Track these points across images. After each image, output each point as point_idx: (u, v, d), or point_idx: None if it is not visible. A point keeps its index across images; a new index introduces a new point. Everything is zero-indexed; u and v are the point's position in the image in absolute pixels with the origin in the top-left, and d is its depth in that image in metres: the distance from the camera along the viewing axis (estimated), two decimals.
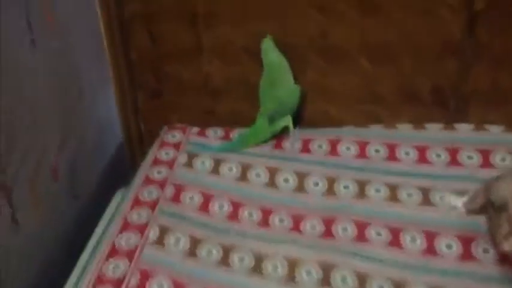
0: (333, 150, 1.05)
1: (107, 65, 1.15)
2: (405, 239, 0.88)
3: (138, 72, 1.18)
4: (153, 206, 0.96)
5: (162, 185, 1.01)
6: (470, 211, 0.78)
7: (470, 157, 1.00)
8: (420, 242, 0.87)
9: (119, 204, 0.98)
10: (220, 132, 1.13)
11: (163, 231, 0.90)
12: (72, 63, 1.00)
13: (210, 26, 1.10)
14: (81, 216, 1.05)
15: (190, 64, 1.15)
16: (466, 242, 0.85)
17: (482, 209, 0.74)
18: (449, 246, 0.85)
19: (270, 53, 1.07)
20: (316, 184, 0.99)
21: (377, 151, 1.04)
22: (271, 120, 1.07)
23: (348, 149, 1.05)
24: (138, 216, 0.94)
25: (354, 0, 1.01)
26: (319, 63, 1.09)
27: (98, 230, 0.93)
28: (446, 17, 1.00)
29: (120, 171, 1.17)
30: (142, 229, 0.91)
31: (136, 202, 0.97)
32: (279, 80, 1.07)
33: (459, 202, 0.83)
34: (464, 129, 1.06)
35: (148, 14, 1.11)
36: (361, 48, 1.06)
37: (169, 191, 0.99)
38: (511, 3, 0.97)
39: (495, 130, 1.05)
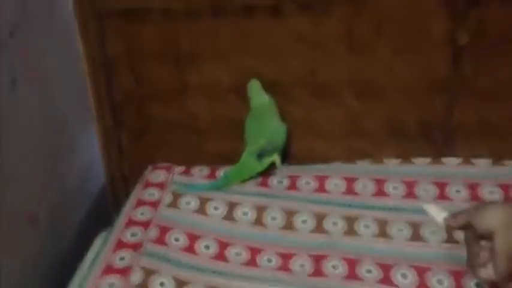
0: (321, 187, 1.04)
1: (90, 106, 1.14)
2: (396, 276, 0.85)
3: (122, 112, 1.17)
4: (136, 248, 0.93)
5: (146, 226, 0.98)
6: (449, 227, 0.77)
7: (458, 191, 0.99)
8: (411, 278, 0.85)
9: (101, 247, 0.95)
10: (206, 170, 1.12)
11: (148, 274, 0.87)
12: (55, 105, 0.99)
13: (194, 65, 1.10)
14: (63, 260, 1.01)
15: (175, 103, 1.14)
16: (457, 276, 0.83)
17: (462, 228, 0.73)
18: (440, 282, 0.83)
19: (257, 94, 1.07)
20: (305, 221, 0.97)
21: (365, 187, 1.03)
22: (258, 158, 1.06)
23: (336, 185, 1.04)
24: (120, 259, 0.91)
25: (342, 38, 1.02)
26: (306, 100, 1.09)
27: (80, 274, 0.89)
28: (432, 53, 1.01)
29: (103, 214, 1.14)
30: (125, 272, 0.88)
31: (119, 244, 0.94)
32: (266, 119, 1.07)
33: (441, 216, 0.82)
34: (451, 163, 1.06)
35: (132, 54, 1.11)
36: (349, 85, 1.06)
37: (153, 232, 0.96)
38: (493, 37, 0.99)
39: (482, 164, 1.05)
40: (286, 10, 1.02)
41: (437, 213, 0.80)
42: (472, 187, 0.99)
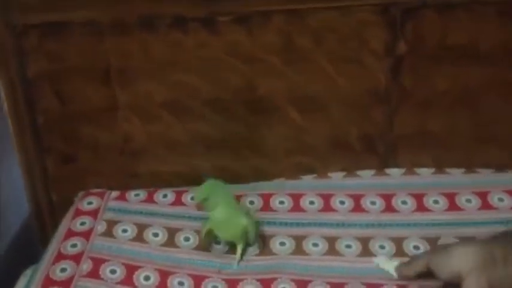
0: (265, 206, 1.00)
1: (9, 131, 1.04)
2: None
3: (46, 137, 1.07)
4: (67, 285, 0.84)
5: (77, 259, 0.89)
6: (404, 276, 0.75)
7: (404, 202, 0.98)
8: None
9: (27, 285, 0.85)
10: (142, 194, 1.04)
11: None
12: None
13: (125, 82, 1.03)
14: None
15: (105, 124, 1.07)
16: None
17: (419, 276, 0.71)
18: None
19: (215, 199, 0.87)
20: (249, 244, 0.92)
21: (312, 203, 0.99)
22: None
23: (282, 203, 1.00)
24: None
25: (279, 50, 0.99)
26: (246, 117, 1.04)
27: None
28: (371, 64, 1.00)
29: (27, 249, 1.04)
30: None
31: (48, 282, 0.85)
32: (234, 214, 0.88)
33: (390, 266, 0.82)
34: (395, 174, 1.05)
35: (55, 72, 1.02)
36: (290, 99, 1.03)
37: (86, 265, 0.88)
38: (431, 47, 0.99)
39: (426, 173, 1.04)
40: (220, 22, 0.98)
41: (388, 264, 0.79)
42: (418, 197, 0.98)
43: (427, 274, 0.70)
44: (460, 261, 0.63)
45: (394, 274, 0.81)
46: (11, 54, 0.99)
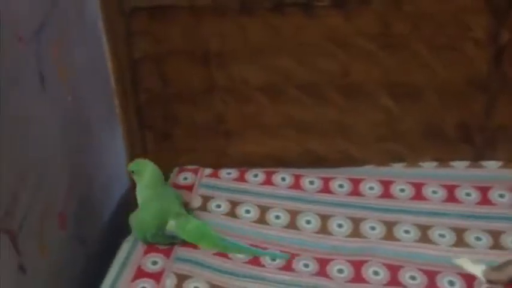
0: (355, 190, 1.00)
1: (115, 106, 1.11)
2: (442, 283, 0.81)
3: (147, 114, 1.13)
4: (167, 252, 0.89)
5: None
6: (495, 281, 0.75)
7: (501, 195, 0.95)
8: (459, 286, 0.81)
9: (130, 250, 0.91)
10: (234, 173, 1.08)
11: (181, 279, 0.83)
12: (81, 105, 0.96)
13: (223, 65, 1.07)
14: (90, 263, 0.98)
15: (202, 104, 1.11)
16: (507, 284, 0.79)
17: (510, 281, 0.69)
18: None
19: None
20: (341, 226, 0.93)
21: (402, 190, 0.99)
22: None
23: (371, 188, 1.00)
24: (152, 263, 0.87)
25: (376, 36, 0.99)
26: (339, 101, 1.05)
27: (109, 278, 0.85)
28: (472, 52, 0.97)
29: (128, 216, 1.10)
30: (157, 277, 0.84)
31: (150, 248, 0.90)
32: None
33: (478, 269, 0.80)
34: (492, 167, 1.02)
35: (159, 54, 1.07)
36: (384, 85, 1.02)
37: None
38: None
39: None
40: (319, 6, 0.99)
41: (473, 266, 0.77)
42: None
43: None
44: None
45: (481, 277, 0.79)
46: (121, 36, 1.05)
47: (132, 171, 0.95)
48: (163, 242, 0.90)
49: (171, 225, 0.90)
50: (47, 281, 0.83)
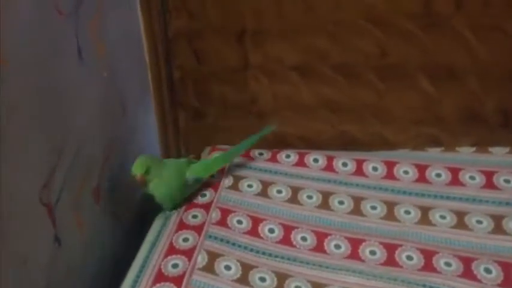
0: (389, 174, 0.98)
1: (148, 83, 1.11)
2: (479, 270, 0.79)
3: (180, 92, 1.13)
4: (198, 230, 0.89)
5: (206, 208, 0.94)
6: None
7: None
8: (495, 274, 0.79)
9: (162, 227, 0.92)
10: (266, 154, 1.07)
11: (212, 256, 0.83)
12: (116, 80, 0.96)
13: (257, 43, 1.05)
14: (123, 237, 0.99)
15: (235, 83, 1.10)
16: None
17: None
18: None
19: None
20: (374, 208, 0.92)
21: (438, 175, 0.96)
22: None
23: (406, 172, 0.98)
24: (184, 240, 0.87)
25: (416, 15, 0.96)
26: (376, 83, 1.03)
27: (142, 253, 0.86)
28: None
29: None
30: (189, 254, 0.84)
31: (181, 225, 0.90)
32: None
33: None
34: None
35: (194, 31, 1.07)
36: (423, 67, 1.00)
37: (214, 214, 0.92)
38: None
39: None
40: None
41: None
42: None
43: None
44: None
45: None
46: (156, 12, 1.04)
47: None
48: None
49: (190, 171, 0.95)
50: (81, 254, 0.84)
